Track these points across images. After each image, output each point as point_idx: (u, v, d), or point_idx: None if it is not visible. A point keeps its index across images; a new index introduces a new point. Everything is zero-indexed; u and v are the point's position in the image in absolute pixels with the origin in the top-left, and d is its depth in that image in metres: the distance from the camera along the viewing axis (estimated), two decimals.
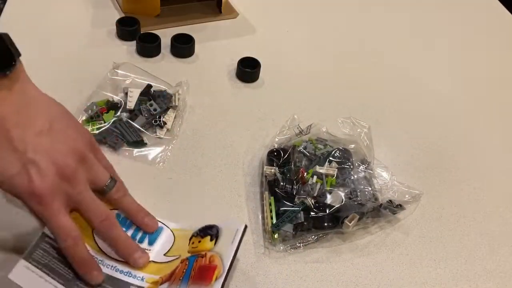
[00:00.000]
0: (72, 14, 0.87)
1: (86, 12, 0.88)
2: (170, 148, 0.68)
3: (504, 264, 0.63)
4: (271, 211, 0.60)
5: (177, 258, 0.53)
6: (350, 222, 0.59)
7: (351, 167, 0.65)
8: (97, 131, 0.66)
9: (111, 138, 0.66)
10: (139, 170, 0.65)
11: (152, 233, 0.56)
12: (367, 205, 0.60)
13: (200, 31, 0.87)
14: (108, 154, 0.65)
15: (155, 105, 0.70)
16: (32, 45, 0.75)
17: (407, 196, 0.63)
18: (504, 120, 0.83)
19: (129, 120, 0.68)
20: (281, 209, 0.60)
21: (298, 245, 0.60)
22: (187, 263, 0.52)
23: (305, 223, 0.59)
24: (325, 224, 0.60)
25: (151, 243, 0.55)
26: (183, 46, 0.82)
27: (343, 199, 0.60)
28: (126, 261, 0.52)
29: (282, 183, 0.62)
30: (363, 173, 0.64)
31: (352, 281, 0.58)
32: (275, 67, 0.83)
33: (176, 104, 0.71)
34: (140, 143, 0.67)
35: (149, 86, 0.72)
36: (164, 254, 0.54)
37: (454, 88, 0.87)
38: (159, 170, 0.66)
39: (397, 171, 0.68)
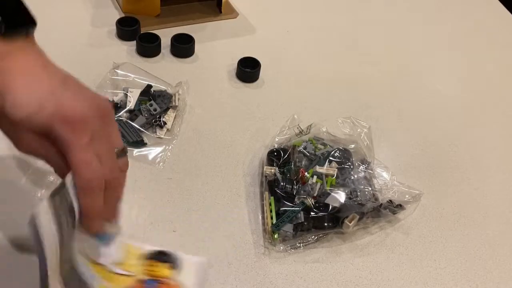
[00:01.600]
0: (72, 14, 0.87)
1: (86, 12, 0.88)
2: (170, 148, 0.68)
3: (504, 264, 0.63)
4: (271, 211, 0.60)
5: (130, 275, 0.50)
6: (350, 222, 0.59)
7: (351, 167, 0.65)
8: None
9: None
10: (139, 170, 0.65)
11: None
12: (367, 205, 0.60)
13: (200, 31, 0.87)
14: None
15: (155, 105, 0.70)
16: None
17: (407, 196, 0.63)
18: (504, 120, 0.83)
19: (129, 121, 0.68)
20: (281, 209, 0.60)
21: (298, 245, 0.60)
22: (145, 286, 0.49)
23: (305, 223, 0.59)
24: (325, 224, 0.60)
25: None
26: (183, 46, 0.82)
27: (343, 199, 0.60)
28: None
29: (282, 183, 0.62)
30: (363, 173, 0.64)
31: (352, 281, 0.58)
32: (275, 67, 0.83)
33: (176, 104, 0.71)
34: (140, 143, 0.67)
35: (149, 86, 0.72)
36: (116, 264, 0.50)
37: (454, 88, 0.87)
38: (159, 170, 0.66)
39: (397, 171, 0.68)
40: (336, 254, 0.61)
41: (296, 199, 0.61)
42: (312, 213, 0.59)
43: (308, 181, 0.62)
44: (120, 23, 0.83)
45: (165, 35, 0.83)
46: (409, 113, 0.81)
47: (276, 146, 0.68)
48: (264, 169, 0.65)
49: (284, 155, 0.65)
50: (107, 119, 0.48)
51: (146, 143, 0.68)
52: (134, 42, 0.82)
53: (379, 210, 0.62)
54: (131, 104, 0.70)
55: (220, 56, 0.84)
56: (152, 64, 0.81)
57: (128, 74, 0.73)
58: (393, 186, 0.64)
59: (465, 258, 0.63)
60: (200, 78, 0.80)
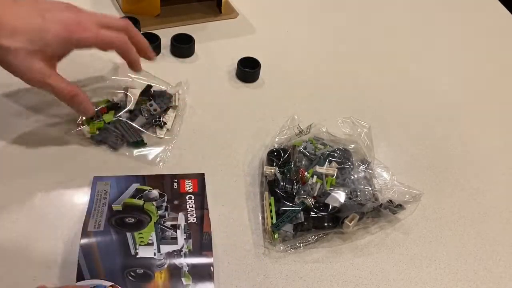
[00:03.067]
0: None
1: None
2: (170, 148, 0.68)
3: (504, 264, 0.63)
4: (271, 211, 0.60)
5: None
6: (350, 222, 0.59)
7: (351, 167, 0.65)
8: (97, 131, 0.66)
9: (111, 138, 0.66)
10: (139, 170, 0.65)
11: None
12: (367, 205, 0.60)
13: (200, 31, 0.87)
14: (108, 153, 0.65)
15: (155, 105, 0.70)
16: None
17: (407, 196, 0.63)
18: (504, 120, 0.83)
19: (129, 121, 0.68)
20: (281, 209, 0.60)
21: (298, 245, 0.60)
22: None
23: (305, 223, 0.59)
24: (325, 224, 0.60)
25: None
26: (183, 46, 0.82)
27: (343, 199, 0.60)
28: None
29: (282, 183, 0.62)
30: (363, 173, 0.64)
31: (352, 281, 0.58)
32: (275, 67, 0.83)
33: (176, 104, 0.71)
34: (140, 143, 0.67)
35: (149, 86, 0.72)
36: None
37: (454, 88, 0.87)
38: (158, 170, 0.66)
39: (397, 171, 0.68)
40: (336, 254, 0.61)
41: (296, 199, 0.61)
42: (312, 213, 0.59)
43: (308, 181, 0.62)
44: None
45: (165, 35, 0.83)
46: (409, 113, 0.81)
47: (276, 146, 0.68)
48: (264, 169, 0.65)
49: (284, 155, 0.65)
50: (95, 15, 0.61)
51: (146, 143, 0.68)
52: None
53: (379, 210, 0.62)
54: (131, 104, 0.69)
55: (220, 56, 0.84)
56: (152, 64, 0.80)
57: (128, 74, 0.73)
58: (393, 186, 0.64)
59: (465, 258, 0.63)
60: (200, 78, 0.80)
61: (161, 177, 0.64)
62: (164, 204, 0.60)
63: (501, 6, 1.08)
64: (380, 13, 1.02)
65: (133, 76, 0.73)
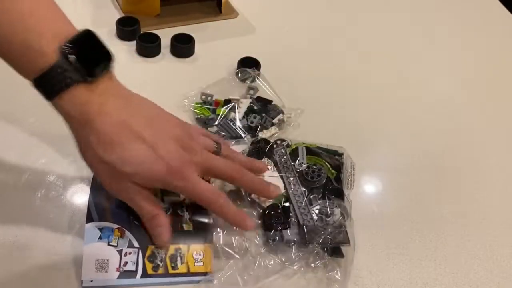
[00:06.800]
0: (72, 14, 0.87)
1: (86, 12, 0.88)
2: None
3: (504, 264, 0.63)
4: None
5: None
6: None
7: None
8: (201, 115, 0.71)
9: (212, 127, 0.70)
10: None
11: None
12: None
13: (200, 31, 0.87)
14: None
15: (256, 121, 0.71)
16: None
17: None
18: (504, 120, 0.83)
19: (233, 120, 0.70)
20: None
21: None
22: None
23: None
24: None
25: None
26: (183, 46, 0.82)
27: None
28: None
29: None
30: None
31: (352, 281, 0.58)
32: (275, 67, 0.83)
33: (280, 123, 0.72)
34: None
35: (269, 101, 0.74)
36: None
37: (454, 89, 0.87)
38: None
39: (397, 171, 0.68)
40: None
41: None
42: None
43: None
44: (120, 23, 0.83)
45: (165, 35, 0.83)
46: (409, 113, 0.81)
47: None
48: None
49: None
50: (194, 134, 0.56)
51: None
52: (134, 42, 0.82)
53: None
54: (239, 115, 0.71)
55: (220, 56, 0.84)
56: (152, 64, 0.81)
57: (262, 83, 0.76)
58: None
59: (465, 258, 0.63)
60: (200, 78, 0.79)
61: None
62: None
63: (501, 6, 1.08)
64: (380, 13, 1.02)
65: (263, 88, 0.76)
